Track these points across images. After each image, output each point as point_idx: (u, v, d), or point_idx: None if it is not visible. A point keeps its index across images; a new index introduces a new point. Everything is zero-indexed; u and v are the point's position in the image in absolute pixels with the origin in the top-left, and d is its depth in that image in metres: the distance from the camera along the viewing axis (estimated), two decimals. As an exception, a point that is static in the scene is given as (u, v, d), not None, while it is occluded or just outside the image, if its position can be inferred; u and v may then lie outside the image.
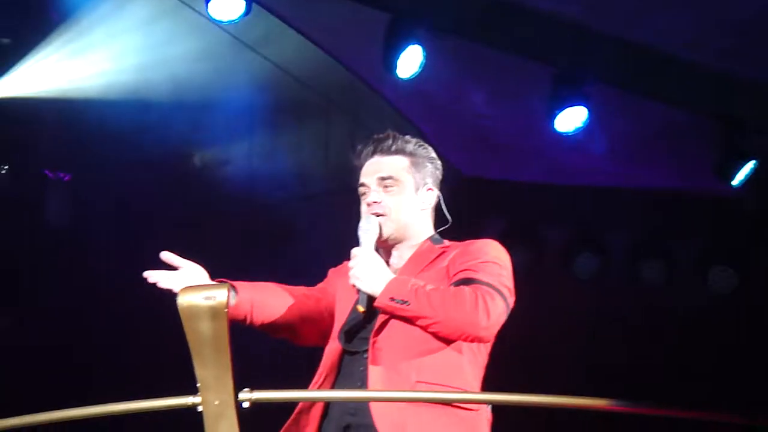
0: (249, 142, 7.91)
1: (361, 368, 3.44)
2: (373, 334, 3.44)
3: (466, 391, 3.39)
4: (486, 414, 3.44)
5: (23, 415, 2.57)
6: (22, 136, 7.31)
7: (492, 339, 3.46)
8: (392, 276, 3.42)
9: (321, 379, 3.55)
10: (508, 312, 3.46)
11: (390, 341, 3.41)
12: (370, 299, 3.43)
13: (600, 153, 7.30)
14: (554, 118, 6.87)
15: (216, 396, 2.37)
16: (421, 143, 3.78)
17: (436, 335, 3.35)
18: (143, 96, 7.09)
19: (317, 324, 3.74)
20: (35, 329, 7.48)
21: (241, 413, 2.41)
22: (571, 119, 6.86)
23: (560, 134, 6.92)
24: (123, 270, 7.47)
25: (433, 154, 3.80)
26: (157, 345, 6.27)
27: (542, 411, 6.92)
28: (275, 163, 7.76)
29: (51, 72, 7.03)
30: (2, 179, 7.41)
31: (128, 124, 7.07)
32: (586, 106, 6.81)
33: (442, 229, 3.78)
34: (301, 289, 3.80)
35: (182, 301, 2.33)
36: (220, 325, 2.32)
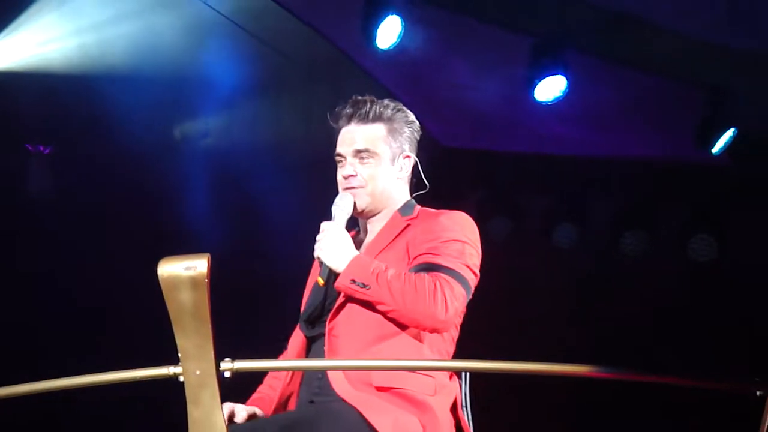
0: (229, 116, 7.90)
1: (322, 356, 3.44)
2: (329, 318, 3.44)
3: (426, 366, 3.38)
4: (449, 397, 3.42)
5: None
6: (1, 110, 7.27)
7: (449, 329, 3.45)
8: (356, 254, 3.41)
9: (287, 376, 3.59)
10: (470, 296, 3.46)
11: (346, 326, 3.41)
12: (332, 274, 3.43)
13: (580, 122, 7.32)
14: (534, 88, 6.89)
15: (197, 366, 2.37)
16: (399, 107, 3.74)
17: (393, 321, 3.34)
18: (123, 69, 7.06)
19: None
20: (15, 301, 7.48)
21: (223, 383, 2.41)
22: (550, 88, 6.88)
23: (540, 103, 6.94)
24: (104, 242, 7.53)
25: (412, 117, 3.77)
26: (137, 315, 6.28)
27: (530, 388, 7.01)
28: (256, 135, 7.76)
29: (29, 45, 6.99)
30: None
31: (108, 97, 7.05)
32: (564, 75, 6.82)
33: (418, 193, 3.78)
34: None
35: (163, 271, 2.33)
36: (200, 295, 2.32)
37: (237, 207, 7.54)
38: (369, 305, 3.35)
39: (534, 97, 6.92)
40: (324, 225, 3.50)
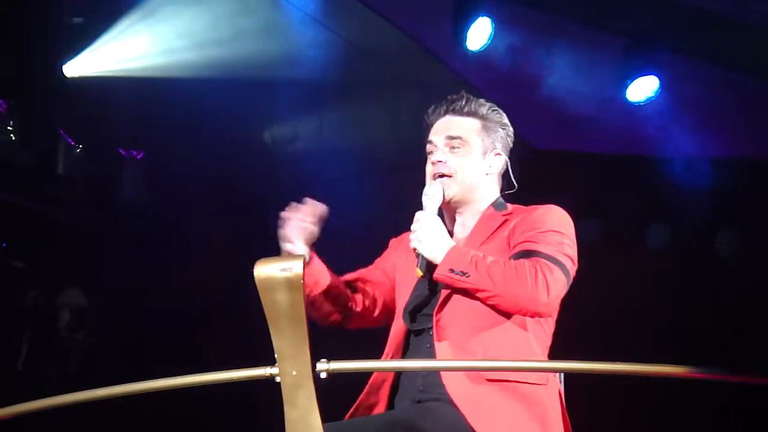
0: (319, 118, 7.94)
1: (428, 346, 3.43)
2: (436, 311, 3.42)
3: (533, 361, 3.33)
4: (555, 388, 3.40)
5: (96, 389, 2.61)
6: (95, 115, 7.40)
7: (551, 314, 3.44)
8: (453, 243, 3.40)
9: (388, 359, 3.56)
10: (570, 283, 3.42)
11: (453, 318, 3.39)
12: (430, 265, 3.41)
13: (672, 123, 7.24)
14: (626, 88, 6.84)
15: (293, 366, 2.38)
16: (495, 108, 3.74)
17: (494, 308, 3.32)
18: (214, 73, 7.13)
19: (377, 301, 3.78)
20: (112, 306, 7.59)
21: (319, 383, 2.41)
22: (642, 89, 6.83)
23: (632, 104, 6.88)
24: (196, 246, 7.61)
25: (506, 120, 3.77)
26: (234, 318, 6.32)
27: (618, 385, 6.92)
28: (345, 139, 7.78)
29: (123, 51, 7.11)
30: (78, 158, 7.51)
31: (200, 101, 7.13)
32: (657, 76, 6.76)
33: (507, 192, 3.76)
34: (360, 271, 3.84)
35: (259, 272, 2.35)
36: (296, 296, 2.33)
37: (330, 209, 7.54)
38: (469, 294, 3.33)
39: (626, 98, 6.87)
40: (418, 215, 3.48)
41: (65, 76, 7.10)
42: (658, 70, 6.77)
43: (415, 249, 3.43)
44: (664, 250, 8.24)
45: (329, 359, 2.43)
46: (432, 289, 3.50)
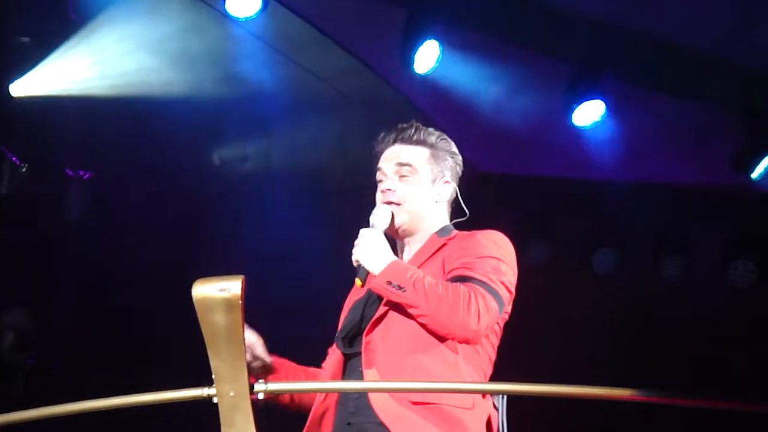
0: (267, 139, 7.93)
1: (360, 370, 3.43)
2: (365, 333, 3.44)
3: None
4: (483, 412, 3.39)
5: (34, 409, 2.58)
6: (42, 135, 7.34)
7: (479, 341, 3.41)
8: (394, 258, 3.42)
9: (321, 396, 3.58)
10: (503, 311, 3.45)
11: (383, 342, 3.40)
12: (369, 279, 3.43)
13: (617, 147, 7.30)
14: (572, 113, 6.89)
15: (231, 387, 2.37)
16: (443, 137, 3.77)
17: (425, 327, 3.33)
18: (162, 94, 7.12)
19: None
20: (56, 326, 7.54)
21: (256, 405, 2.41)
22: (588, 113, 6.89)
23: (578, 128, 6.94)
24: (141, 266, 7.57)
25: (454, 149, 3.79)
26: (171, 338, 6.29)
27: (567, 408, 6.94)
28: (293, 159, 7.78)
29: (70, 71, 7.07)
30: (23, 177, 7.45)
31: (147, 122, 7.11)
32: (603, 100, 6.83)
33: (457, 221, 3.77)
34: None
35: (197, 293, 2.33)
36: (234, 317, 2.32)
37: (273, 231, 7.52)
38: (403, 311, 3.35)
39: (572, 122, 6.92)
40: (363, 231, 3.50)
41: (11, 96, 7.04)
42: (604, 95, 6.84)
43: (356, 261, 3.44)
44: (609, 273, 8.30)
45: (266, 380, 2.43)
46: (366, 315, 3.52)
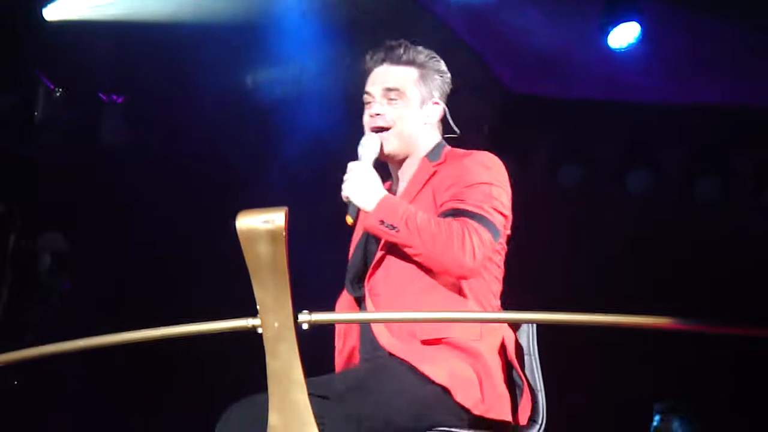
0: (300, 64, 7.88)
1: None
2: (367, 279, 3.44)
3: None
4: (494, 339, 3.38)
5: (78, 339, 2.60)
6: (75, 59, 7.33)
7: (475, 276, 3.38)
8: (385, 193, 3.39)
9: (342, 332, 3.61)
10: (500, 238, 3.44)
11: (385, 287, 3.40)
12: (360, 215, 3.41)
13: (654, 69, 7.24)
14: (607, 35, 6.85)
15: (275, 318, 2.38)
16: (433, 55, 3.69)
17: (421, 268, 3.33)
18: (195, 18, 7.08)
19: None
20: (92, 252, 7.58)
21: (300, 335, 2.41)
22: (624, 35, 6.84)
23: (613, 50, 6.89)
24: (179, 193, 7.58)
25: (443, 67, 3.71)
26: (212, 268, 6.31)
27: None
28: (324, 83, 7.73)
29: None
30: (57, 102, 7.46)
31: (180, 46, 7.09)
32: (638, 22, 6.77)
33: (448, 135, 3.71)
34: None
35: (241, 224, 2.33)
36: (278, 248, 2.32)
37: (313, 156, 7.48)
38: (400, 251, 3.33)
39: (607, 44, 6.88)
40: (351, 165, 3.46)
41: (45, 20, 7.04)
42: (640, 16, 6.79)
43: (346, 197, 3.42)
44: (644, 197, 8.27)
45: (311, 311, 2.43)
46: (366, 254, 3.52)
